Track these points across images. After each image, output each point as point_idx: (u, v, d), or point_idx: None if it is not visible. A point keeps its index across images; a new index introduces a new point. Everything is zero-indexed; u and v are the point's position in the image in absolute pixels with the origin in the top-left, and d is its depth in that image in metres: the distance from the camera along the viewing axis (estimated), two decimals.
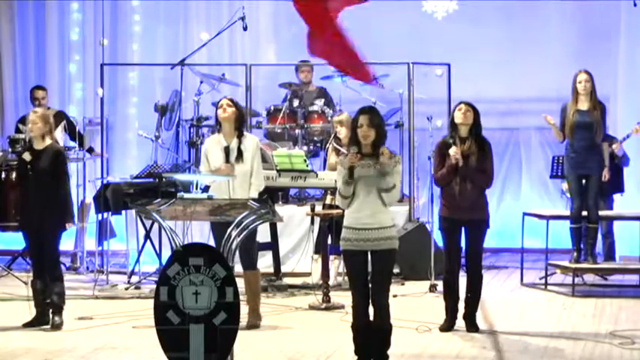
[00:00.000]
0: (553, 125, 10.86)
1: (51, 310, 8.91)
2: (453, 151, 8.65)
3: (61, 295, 8.92)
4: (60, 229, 8.91)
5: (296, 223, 11.58)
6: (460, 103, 8.87)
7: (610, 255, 11.60)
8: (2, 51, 14.16)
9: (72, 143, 12.21)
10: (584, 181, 10.69)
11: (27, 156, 8.96)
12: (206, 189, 9.26)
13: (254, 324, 8.87)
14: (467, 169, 8.65)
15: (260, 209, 7.00)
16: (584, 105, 10.61)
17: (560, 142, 10.86)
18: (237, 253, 8.91)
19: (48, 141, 8.97)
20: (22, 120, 12.68)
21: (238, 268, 8.77)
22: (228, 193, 8.75)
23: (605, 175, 10.72)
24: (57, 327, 8.85)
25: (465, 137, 8.72)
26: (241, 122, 9.07)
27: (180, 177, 11.27)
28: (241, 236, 6.99)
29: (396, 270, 10.72)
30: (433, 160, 9.08)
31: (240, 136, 8.97)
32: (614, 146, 11.12)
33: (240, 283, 9.19)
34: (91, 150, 12.45)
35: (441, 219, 8.88)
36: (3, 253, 12.71)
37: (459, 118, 8.70)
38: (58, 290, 8.89)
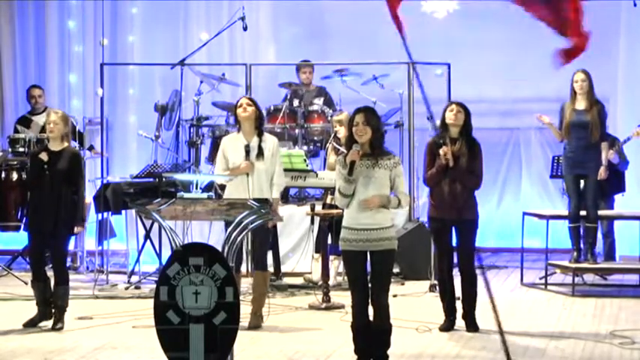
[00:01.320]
0: (550, 125, 10.85)
1: (54, 312, 8.90)
2: (443, 150, 8.61)
3: (65, 298, 8.91)
4: (71, 231, 8.93)
5: (296, 223, 11.58)
6: (451, 103, 8.81)
7: (610, 255, 11.60)
8: (2, 51, 14.15)
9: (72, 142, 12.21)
10: (582, 180, 10.68)
11: (44, 156, 8.94)
12: (207, 188, 9.27)
13: (256, 325, 8.87)
14: (457, 170, 8.58)
15: (260, 209, 6.99)
16: (581, 104, 10.59)
17: (560, 141, 10.84)
18: (251, 252, 9.01)
19: (65, 143, 8.97)
20: (20, 120, 12.68)
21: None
22: (247, 192, 8.76)
23: (601, 173, 10.63)
24: (57, 330, 8.83)
25: (455, 138, 8.67)
26: (261, 121, 9.05)
27: (181, 177, 11.26)
28: (242, 235, 6.99)
29: (396, 270, 10.73)
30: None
31: (260, 134, 8.98)
32: (609, 153, 10.98)
33: (244, 283, 9.28)
34: (91, 148, 12.47)
35: (430, 220, 8.85)
36: (3, 253, 12.72)
37: (449, 118, 8.65)
38: (63, 293, 8.88)
